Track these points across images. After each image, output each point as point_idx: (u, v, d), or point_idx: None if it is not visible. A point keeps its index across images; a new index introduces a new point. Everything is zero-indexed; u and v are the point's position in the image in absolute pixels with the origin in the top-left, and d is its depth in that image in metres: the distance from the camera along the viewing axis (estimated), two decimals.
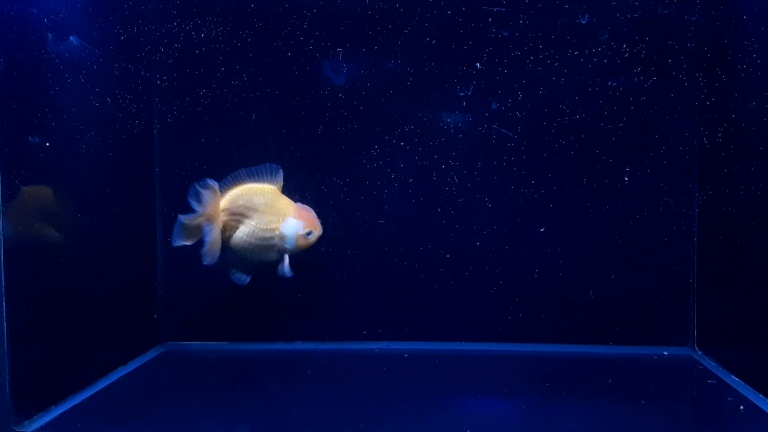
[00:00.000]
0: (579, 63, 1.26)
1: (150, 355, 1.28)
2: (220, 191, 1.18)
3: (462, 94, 1.28)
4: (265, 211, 1.17)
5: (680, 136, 1.26)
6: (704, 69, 1.23)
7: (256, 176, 1.19)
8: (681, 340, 1.28)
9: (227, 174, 1.31)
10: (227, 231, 1.18)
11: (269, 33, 1.29)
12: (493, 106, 1.27)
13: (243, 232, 1.18)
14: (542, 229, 1.28)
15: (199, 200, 1.14)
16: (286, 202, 1.19)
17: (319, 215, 1.30)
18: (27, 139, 0.96)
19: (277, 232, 1.17)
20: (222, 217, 1.18)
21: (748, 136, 1.09)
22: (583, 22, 1.25)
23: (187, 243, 1.17)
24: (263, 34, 1.29)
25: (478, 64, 1.26)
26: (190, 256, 1.33)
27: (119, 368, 1.19)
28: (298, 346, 1.33)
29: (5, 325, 0.90)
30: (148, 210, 1.31)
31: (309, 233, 1.17)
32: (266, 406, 1.03)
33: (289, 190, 1.21)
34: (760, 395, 1.03)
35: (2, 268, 0.90)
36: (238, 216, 1.18)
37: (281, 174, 1.19)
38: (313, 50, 1.29)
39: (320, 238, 1.19)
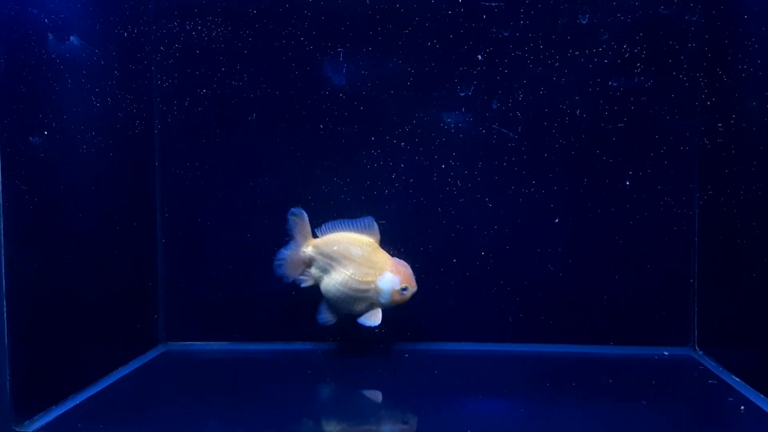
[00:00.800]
0: (579, 63, 1.26)
1: (150, 355, 1.28)
2: (317, 234, 1.24)
3: (463, 95, 1.28)
4: (361, 263, 1.19)
5: (681, 136, 1.26)
6: (705, 69, 1.23)
7: (353, 227, 1.22)
8: (681, 341, 1.28)
9: (228, 174, 1.32)
10: (316, 270, 1.22)
11: (270, 33, 1.29)
12: (494, 106, 1.27)
13: (336, 281, 1.20)
14: (557, 220, 1.28)
15: (290, 225, 1.24)
16: (383, 256, 1.20)
17: (320, 215, 1.30)
18: (27, 139, 0.96)
19: (372, 286, 1.18)
20: (310, 251, 1.22)
21: (748, 136, 1.09)
22: (584, 22, 1.25)
23: (287, 272, 1.23)
24: (264, 35, 1.29)
25: (479, 56, 1.26)
26: (190, 256, 1.33)
27: (119, 368, 1.19)
28: (298, 346, 1.32)
29: (6, 325, 0.90)
30: (149, 210, 1.31)
31: (404, 289, 1.18)
32: (266, 406, 1.03)
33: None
34: (761, 395, 1.03)
35: (3, 268, 0.90)
36: (330, 260, 1.21)
37: (377, 227, 1.21)
38: (314, 50, 1.29)
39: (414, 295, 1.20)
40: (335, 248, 1.21)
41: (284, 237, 1.24)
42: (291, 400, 1.05)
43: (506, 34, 1.26)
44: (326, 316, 1.23)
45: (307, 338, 1.33)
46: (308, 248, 1.23)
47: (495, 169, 1.28)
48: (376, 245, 1.21)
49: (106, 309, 1.16)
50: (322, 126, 1.29)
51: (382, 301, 1.19)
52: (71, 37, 1.06)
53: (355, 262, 1.19)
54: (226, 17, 1.29)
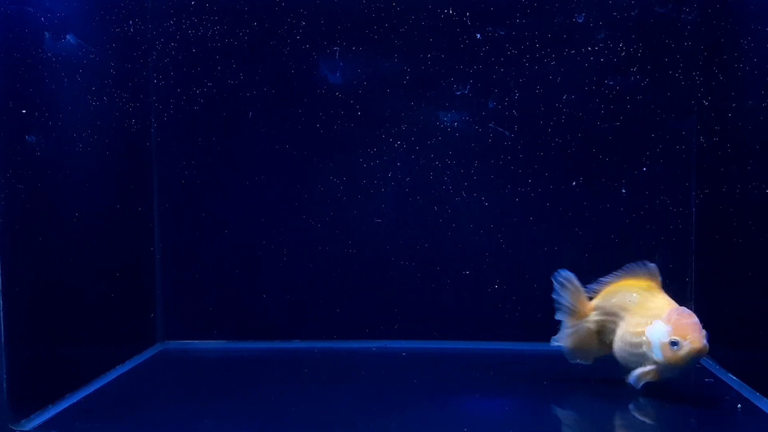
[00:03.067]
0: (576, 62, 1.26)
1: (147, 353, 1.28)
2: (595, 289, 1.07)
3: (458, 93, 1.28)
4: (635, 312, 0.99)
5: (677, 134, 1.26)
6: (701, 68, 1.23)
7: (628, 272, 1.04)
8: None
9: (224, 172, 1.32)
10: (607, 334, 1.04)
11: (266, 32, 1.29)
12: (490, 105, 1.27)
13: (617, 337, 1.02)
14: (574, 184, 1.27)
15: (559, 294, 1.07)
16: (662, 302, 0.99)
17: (317, 214, 1.30)
18: (24, 138, 0.96)
19: (643, 338, 0.96)
20: (594, 317, 1.06)
21: (745, 134, 1.09)
22: (580, 21, 1.25)
23: (567, 345, 1.07)
24: (260, 33, 1.29)
25: (478, 35, 1.26)
26: (187, 255, 1.33)
27: (117, 367, 1.19)
28: (296, 344, 1.33)
29: (2, 323, 0.90)
30: (146, 208, 1.31)
31: (674, 344, 0.93)
32: (264, 405, 1.03)
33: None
34: (758, 394, 1.03)
35: None
36: (613, 317, 1.03)
37: (653, 267, 1.03)
38: (310, 49, 1.29)
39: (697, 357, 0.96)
40: (613, 300, 1.03)
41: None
42: (288, 400, 1.05)
43: (502, 33, 1.26)
44: (631, 380, 1.00)
45: (305, 337, 1.33)
46: (592, 315, 1.05)
47: (491, 168, 1.29)
48: (657, 289, 1.01)
49: (103, 307, 1.16)
50: (318, 125, 1.29)
51: (656, 358, 0.94)
52: (68, 36, 1.06)
53: (629, 311, 1.00)
54: (222, 16, 1.29)
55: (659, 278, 1.02)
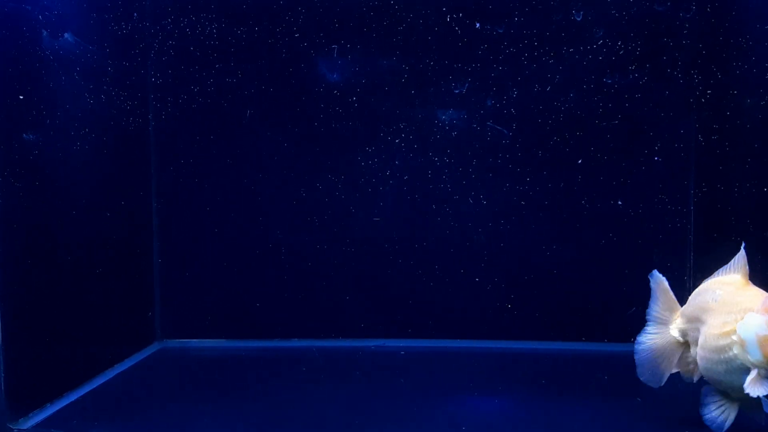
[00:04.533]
0: (574, 60, 1.26)
1: (146, 352, 1.28)
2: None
3: (457, 92, 1.28)
4: (718, 310, 0.82)
5: (676, 133, 1.26)
6: (700, 66, 1.23)
7: (722, 270, 0.87)
8: None
9: (223, 170, 1.32)
10: (695, 348, 0.88)
11: (264, 30, 1.29)
12: (488, 104, 1.27)
13: (699, 345, 0.85)
14: (572, 182, 1.27)
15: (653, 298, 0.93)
16: (751, 293, 0.81)
17: (315, 213, 1.30)
18: (21, 136, 0.96)
19: (734, 337, 0.79)
20: (679, 324, 0.91)
21: (743, 133, 1.09)
22: (578, 19, 1.25)
23: (639, 357, 0.93)
24: (258, 31, 1.29)
25: (477, 25, 1.26)
26: (186, 253, 1.33)
27: (115, 366, 1.19)
28: (295, 343, 1.32)
29: (0, 321, 0.90)
30: (144, 207, 1.31)
31: None
32: (262, 404, 1.03)
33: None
34: None
35: None
36: (695, 323, 0.87)
37: (740, 256, 0.85)
38: (308, 47, 1.28)
39: None
40: (696, 302, 0.88)
41: None
42: (286, 398, 1.05)
43: (500, 31, 1.26)
44: (712, 409, 0.84)
45: (303, 335, 1.33)
46: (676, 321, 0.91)
47: (489, 167, 1.29)
48: (744, 282, 0.84)
49: (101, 306, 1.16)
50: (316, 123, 1.29)
51: (752, 359, 0.77)
52: (65, 34, 1.06)
53: (711, 311, 0.84)
54: (220, 14, 1.29)
55: (745, 267, 0.85)
